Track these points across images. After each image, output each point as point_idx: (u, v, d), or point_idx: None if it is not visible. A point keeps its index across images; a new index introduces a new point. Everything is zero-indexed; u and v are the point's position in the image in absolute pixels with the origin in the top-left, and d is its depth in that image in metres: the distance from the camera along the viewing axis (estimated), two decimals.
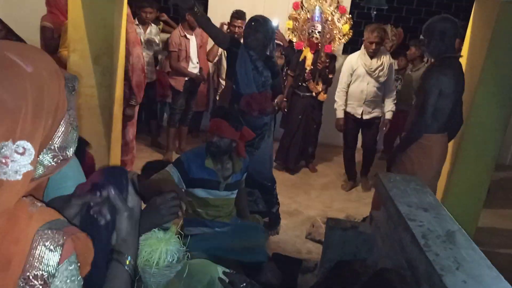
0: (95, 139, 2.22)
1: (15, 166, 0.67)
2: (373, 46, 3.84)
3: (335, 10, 4.19)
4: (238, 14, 4.16)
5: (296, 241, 3.24)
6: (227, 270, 1.61)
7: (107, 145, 2.78)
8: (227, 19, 4.45)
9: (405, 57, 4.71)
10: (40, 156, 0.73)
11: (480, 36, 2.90)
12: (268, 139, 3.16)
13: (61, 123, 0.75)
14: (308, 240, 3.25)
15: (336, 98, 4.10)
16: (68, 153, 0.77)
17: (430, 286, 1.49)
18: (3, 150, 0.66)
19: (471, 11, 3.09)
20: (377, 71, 3.92)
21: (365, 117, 4.06)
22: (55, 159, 0.75)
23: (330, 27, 4.21)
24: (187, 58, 4.32)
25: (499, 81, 2.85)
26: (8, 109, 0.66)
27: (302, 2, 4.24)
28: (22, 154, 0.67)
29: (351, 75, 4.02)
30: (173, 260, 1.41)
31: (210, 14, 5.12)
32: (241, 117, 2.85)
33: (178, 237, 1.47)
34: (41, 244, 0.70)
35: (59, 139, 0.75)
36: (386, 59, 3.96)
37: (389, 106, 4.08)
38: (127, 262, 0.89)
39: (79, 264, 0.75)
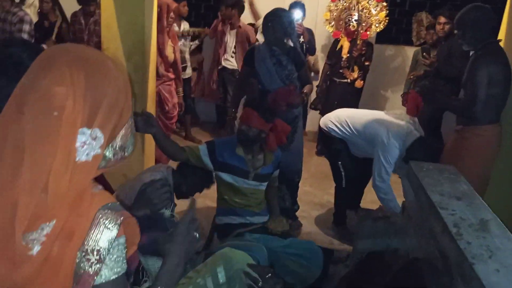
0: None
1: (87, 149, 0.78)
2: None
3: None
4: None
5: (328, 232, 3.23)
6: (252, 262, 1.63)
7: (141, 140, 2.88)
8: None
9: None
10: (105, 151, 0.83)
11: None
12: (299, 131, 3.14)
13: (125, 126, 0.85)
14: (339, 231, 3.23)
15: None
16: (126, 152, 0.88)
17: (461, 275, 1.46)
18: (81, 136, 0.76)
19: None
20: None
21: None
22: (115, 156, 0.86)
23: (367, 15, 4.33)
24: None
25: None
26: (93, 98, 0.77)
27: None
28: (94, 139, 0.78)
29: None
30: None
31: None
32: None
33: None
34: (101, 222, 0.78)
35: (121, 139, 0.85)
36: None
37: None
38: None
39: (126, 246, 0.83)
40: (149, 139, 3.01)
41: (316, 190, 3.90)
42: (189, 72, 4.75)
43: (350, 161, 3.11)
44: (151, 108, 3.00)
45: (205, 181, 2.44)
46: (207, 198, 3.14)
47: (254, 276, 1.45)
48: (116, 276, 0.80)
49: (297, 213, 3.29)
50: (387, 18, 4.37)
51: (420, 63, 4.44)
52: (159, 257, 1.03)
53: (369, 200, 3.42)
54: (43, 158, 0.73)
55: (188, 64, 4.67)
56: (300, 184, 3.31)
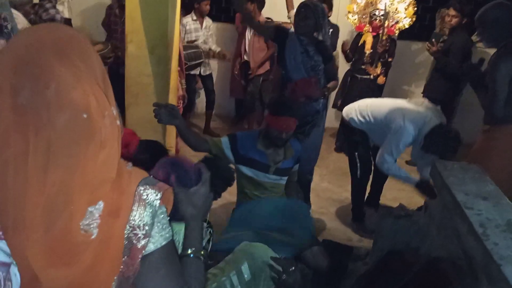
0: (151, 125, 2.35)
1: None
2: None
3: None
4: None
5: (347, 229, 3.22)
6: (276, 255, 1.63)
7: (163, 132, 2.90)
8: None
9: None
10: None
11: None
12: (318, 128, 3.09)
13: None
14: (359, 227, 3.21)
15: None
16: (116, 110, 0.85)
17: (488, 276, 1.43)
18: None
19: None
20: None
21: None
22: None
23: (394, 10, 4.21)
24: None
25: None
26: (93, 75, 0.75)
27: None
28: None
29: None
30: None
31: None
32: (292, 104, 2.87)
33: None
34: (142, 197, 0.80)
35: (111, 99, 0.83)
36: None
37: None
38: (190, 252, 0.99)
39: (168, 215, 0.85)
40: (170, 130, 3.03)
41: (334, 186, 3.89)
42: (209, 68, 4.79)
43: (367, 154, 3.13)
44: (173, 100, 3.01)
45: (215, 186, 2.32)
46: (225, 192, 3.15)
47: (278, 269, 1.45)
48: (166, 241, 0.83)
49: (316, 210, 3.28)
50: (415, 15, 4.28)
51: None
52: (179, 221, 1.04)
53: (390, 197, 3.39)
54: (92, 156, 0.73)
55: (206, 60, 4.67)
56: (318, 180, 3.30)
